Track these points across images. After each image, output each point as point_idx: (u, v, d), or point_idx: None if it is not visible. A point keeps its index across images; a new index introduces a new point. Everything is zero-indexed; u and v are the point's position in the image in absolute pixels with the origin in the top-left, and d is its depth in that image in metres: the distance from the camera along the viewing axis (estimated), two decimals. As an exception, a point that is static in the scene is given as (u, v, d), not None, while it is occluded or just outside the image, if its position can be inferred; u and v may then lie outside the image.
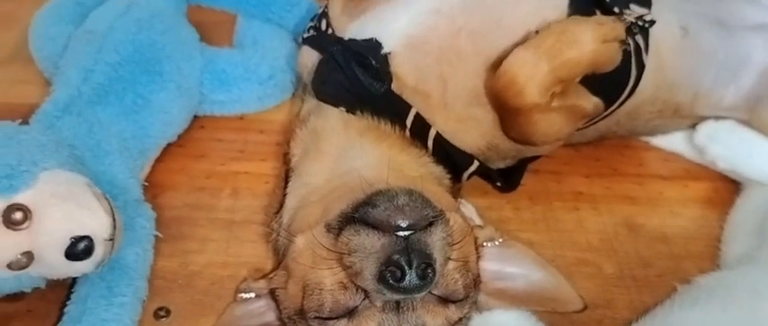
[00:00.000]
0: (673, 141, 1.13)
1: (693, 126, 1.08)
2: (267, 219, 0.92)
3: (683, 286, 0.88)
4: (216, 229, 0.96)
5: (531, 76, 0.78)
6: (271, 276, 0.83)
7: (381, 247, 0.65)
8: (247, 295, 0.84)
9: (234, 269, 0.90)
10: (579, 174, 1.10)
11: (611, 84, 0.92)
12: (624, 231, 1.01)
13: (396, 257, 0.64)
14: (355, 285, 0.70)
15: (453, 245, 0.70)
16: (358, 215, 0.68)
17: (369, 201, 0.69)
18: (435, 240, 0.66)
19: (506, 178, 0.99)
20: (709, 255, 0.98)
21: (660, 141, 1.14)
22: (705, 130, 1.06)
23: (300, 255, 0.75)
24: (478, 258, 0.81)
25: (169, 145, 1.07)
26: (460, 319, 0.75)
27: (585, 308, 0.86)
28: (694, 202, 1.07)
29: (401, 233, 0.66)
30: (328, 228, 0.73)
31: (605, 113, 0.97)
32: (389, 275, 0.64)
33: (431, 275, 0.64)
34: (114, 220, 0.81)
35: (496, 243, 0.86)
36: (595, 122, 0.99)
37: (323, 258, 0.71)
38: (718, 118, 1.05)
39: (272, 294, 0.82)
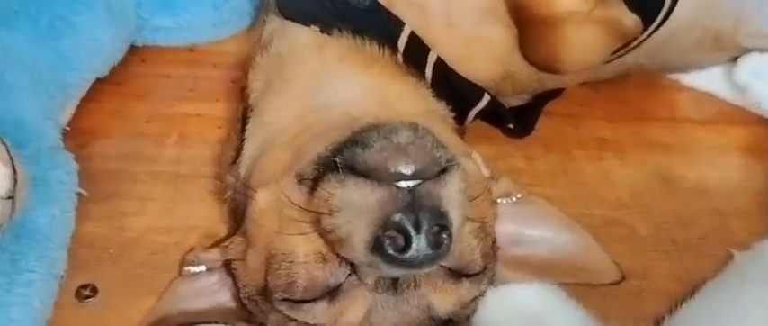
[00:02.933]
0: (708, 79, 0.98)
1: (734, 60, 0.92)
2: (220, 171, 0.72)
3: (741, 253, 0.72)
4: (158, 184, 0.79)
5: None
6: (225, 243, 0.64)
7: (377, 203, 0.46)
8: (196, 269, 0.66)
9: (180, 235, 0.74)
10: (600, 117, 0.94)
11: (645, 1, 0.73)
12: (657, 185, 0.86)
13: (398, 216, 0.45)
14: (338, 256, 0.51)
15: (473, 200, 0.51)
16: (342, 159, 0.49)
17: (357, 139, 0.50)
18: (450, 192, 0.48)
19: (519, 119, 0.81)
20: (758, 211, 0.83)
21: (693, 80, 0.98)
22: (748, 64, 0.91)
23: (262, 216, 0.56)
24: (494, 217, 0.63)
25: (103, 82, 0.88)
26: (475, 298, 0.57)
27: (623, 279, 0.69)
28: (734, 149, 0.92)
29: (404, 183, 0.47)
30: (300, 178, 0.54)
31: (636, 42, 0.79)
32: (389, 242, 0.45)
33: (446, 240, 0.46)
34: (15, 172, 0.61)
35: (513, 199, 0.68)
36: (622, 54, 0.81)
37: (293, 220, 0.53)
38: (763, 51, 0.90)
39: (228, 266, 0.63)
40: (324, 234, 0.50)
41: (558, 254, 0.68)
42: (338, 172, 0.48)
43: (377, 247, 0.46)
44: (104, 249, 0.72)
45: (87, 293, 0.69)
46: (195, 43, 0.94)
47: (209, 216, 0.75)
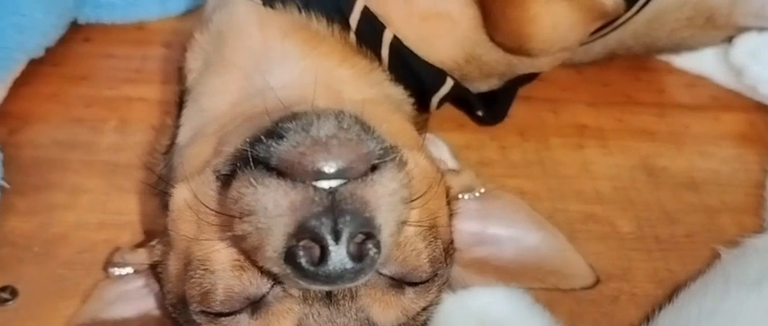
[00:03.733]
0: (700, 61, 0.91)
1: (729, 40, 0.86)
2: (152, 161, 0.65)
3: (729, 250, 0.65)
4: (93, 175, 0.73)
5: None
6: (152, 243, 0.57)
7: (290, 207, 0.39)
8: (121, 271, 0.59)
9: (112, 232, 0.68)
10: (583, 102, 0.87)
11: (628, -22, 0.67)
12: (642, 177, 0.79)
13: (313, 223, 0.38)
14: (256, 265, 0.44)
15: (412, 201, 0.44)
16: (255, 154, 0.42)
17: (274, 130, 0.43)
18: (381, 194, 0.41)
19: (489, 106, 0.74)
20: (751, 206, 0.76)
21: (684, 62, 0.91)
22: (745, 44, 0.85)
23: (180, 216, 0.49)
24: (451, 216, 0.56)
25: (39, 63, 0.81)
26: (425, 308, 0.50)
27: (598, 282, 0.63)
28: (727, 138, 0.85)
29: (324, 184, 0.40)
30: (218, 175, 0.47)
31: (620, 21, 0.72)
32: (303, 253, 0.39)
33: (372, 251, 0.39)
34: None
35: (477, 194, 0.61)
36: (604, 34, 0.74)
37: (209, 224, 0.46)
38: (761, 30, 0.84)
39: (155, 270, 0.57)
40: (237, 241, 0.43)
41: (525, 255, 0.62)
42: (251, 169, 0.41)
43: (289, 257, 0.39)
44: (28, 246, 0.66)
45: (6, 295, 0.62)
46: (144, 21, 0.87)
47: (146, 211, 0.69)
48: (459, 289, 0.59)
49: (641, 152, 0.81)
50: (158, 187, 0.60)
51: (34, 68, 0.80)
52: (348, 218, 0.38)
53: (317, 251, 0.38)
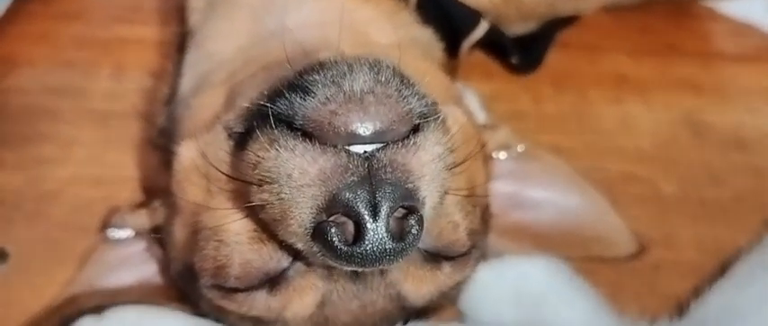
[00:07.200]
0: (748, 8, 0.83)
1: None
2: (152, 110, 0.59)
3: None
4: (87, 125, 0.67)
5: None
6: (155, 204, 0.52)
7: (319, 175, 0.33)
8: (121, 234, 0.53)
9: (110, 188, 0.62)
10: (622, 50, 0.80)
11: None
12: (686, 133, 0.72)
13: (347, 195, 0.32)
14: (276, 237, 0.38)
15: (456, 166, 0.38)
16: (276, 110, 0.35)
17: (297, 83, 0.36)
18: (424, 161, 0.35)
19: (524, 52, 0.67)
20: (803, 168, 0.70)
21: (730, 8, 0.84)
22: None
23: (186, 178, 0.43)
24: (488, 178, 0.50)
25: (26, 1, 0.74)
26: (458, 283, 0.45)
27: (642, 251, 0.57)
28: None
29: (359, 148, 0.34)
30: (229, 132, 0.41)
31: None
32: (335, 230, 0.33)
33: (414, 229, 0.33)
34: None
35: (514, 153, 0.55)
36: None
37: (220, 189, 0.40)
38: None
39: (158, 234, 0.51)
40: (254, 210, 0.37)
41: (565, 220, 0.56)
42: (271, 128, 0.35)
43: (318, 234, 0.33)
44: (18, 205, 0.60)
45: (-5, 259, 0.57)
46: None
47: (147, 165, 0.63)
48: (493, 258, 0.54)
49: (685, 107, 0.74)
50: (159, 142, 0.54)
51: (20, 6, 0.73)
52: (388, 190, 0.32)
53: (350, 228, 0.33)
